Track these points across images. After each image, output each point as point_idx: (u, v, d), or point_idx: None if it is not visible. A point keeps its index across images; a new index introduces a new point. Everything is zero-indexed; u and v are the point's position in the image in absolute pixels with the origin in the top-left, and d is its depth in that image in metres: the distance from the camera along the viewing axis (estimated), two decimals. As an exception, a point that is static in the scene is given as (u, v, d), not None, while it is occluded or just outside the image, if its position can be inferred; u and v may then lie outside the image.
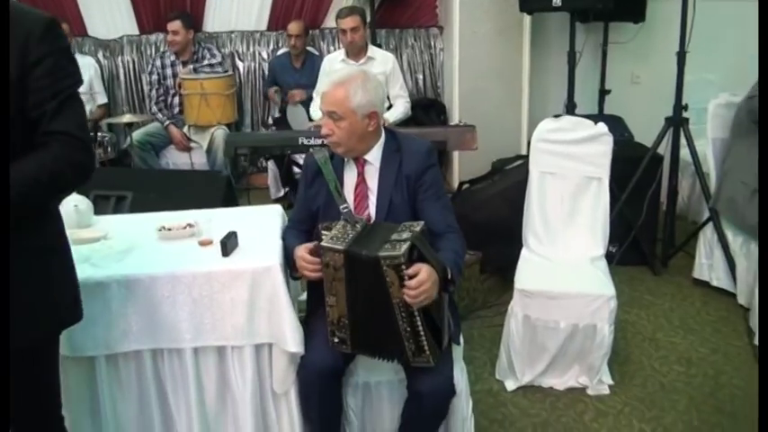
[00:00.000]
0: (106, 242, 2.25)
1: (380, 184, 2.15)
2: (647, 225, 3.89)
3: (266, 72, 5.47)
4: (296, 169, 4.55)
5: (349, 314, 1.96)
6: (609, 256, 3.12)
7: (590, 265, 2.92)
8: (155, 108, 4.91)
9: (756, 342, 3.10)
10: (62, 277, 1.63)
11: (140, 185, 3.24)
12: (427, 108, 5.41)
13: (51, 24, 1.46)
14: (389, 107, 4.30)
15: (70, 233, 1.69)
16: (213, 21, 5.52)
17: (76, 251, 1.70)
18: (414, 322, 1.90)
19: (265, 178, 5.32)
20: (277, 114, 5.26)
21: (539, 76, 5.14)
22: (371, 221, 2.10)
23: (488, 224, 3.58)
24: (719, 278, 3.63)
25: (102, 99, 5.20)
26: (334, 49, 5.19)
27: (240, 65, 5.58)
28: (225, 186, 3.39)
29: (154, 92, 4.94)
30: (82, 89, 1.57)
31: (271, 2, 5.49)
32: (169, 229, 2.28)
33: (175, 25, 4.78)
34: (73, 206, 2.33)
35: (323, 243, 1.93)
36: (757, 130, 3.27)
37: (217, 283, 2.03)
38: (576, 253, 3.00)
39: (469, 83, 5.05)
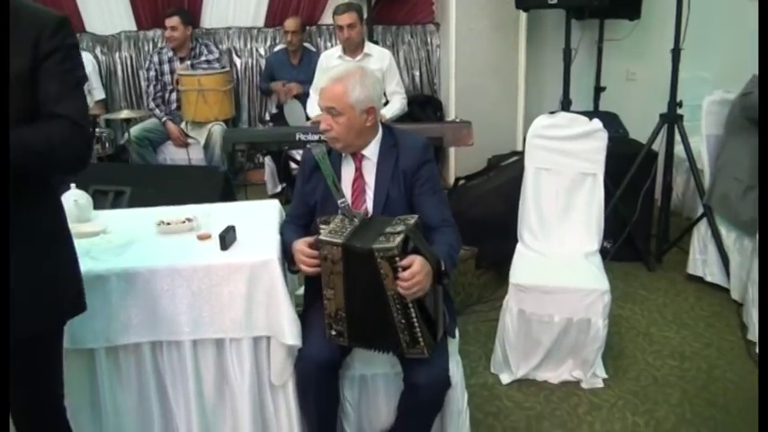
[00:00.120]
0: (106, 236, 2.27)
1: (378, 178, 2.18)
2: (641, 221, 3.91)
3: (263, 68, 5.48)
4: (293, 165, 4.56)
5: (346, 307, 1.98)
6: (603, 252, 3.15)
7: (584, 260, 2.95)
8: (152, 104, 4.93)
9: (749, 337, 3.13)
10: (67, 266, 1.66)
11: (138, 181, 3.24)
12: (424, 104, 5.43)
13: (64, 22, 1.52)
14: (386, 103, 4.31)
15: (70, 227, 1.70)
16: (210, 17, 5.52)
17: (77, 245, 1.72)
18: (408, 314, 1.92)
19: (262, 174, 5.33)
20: (274, 110, 5.28)
21: (535, 72, 5.16)
22: (369, 216, 2.13)
23: (484, 220, 3.59)
24: (713, 273, 3.65)
25: (100, 95, 5.21)
26: (331, 46, 5.20)
27: (237, 61, 5.58)
28: (223, 182, 3.40)
29: (151, 88, 4.95)
30: None
31: (268, -2, 5.51)
32: (168, 224, 2.30)
33: (174, 21, 4.80)
34: (73, 201, 2.35)
35: (321, 236, 1.95)
36: (751, 127, 3.30)
37: (215, 276, 2.05)
38: (570, 248, 3.02)
39: (466, 79, 5.07)
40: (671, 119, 3.84)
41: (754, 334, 3.09)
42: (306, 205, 2.26)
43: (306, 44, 5.29)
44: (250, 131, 4.93)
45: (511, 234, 3.15)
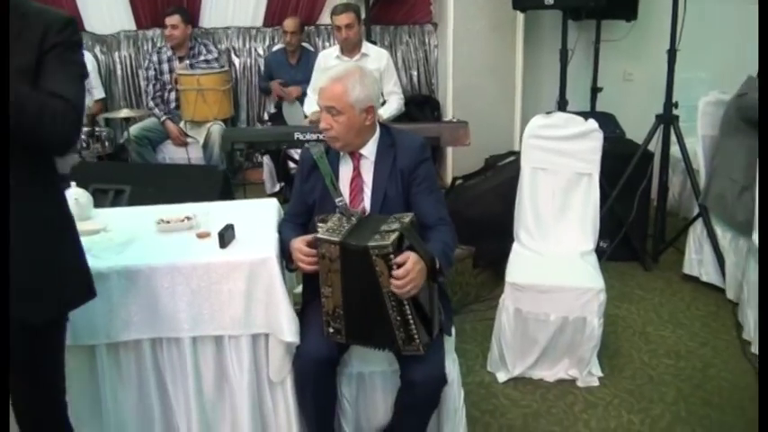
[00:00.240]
0: (106, 234, 2.28)
1: (375, 177, 2.20)
2: (637, 221, 3.94)
3: (262, 68, 5.50)
4: (291, 164, 4.58)
5: (344, 304, 2.00)
6: (600, 252, 3.16)
7: (580, 260, 2.97)
8: (151, 103, 4.94)
9: (745, 336, 3.15)
10: (74, 255, 1.70)
11: (138, 179, 3.25)
12: (421, 104, 5.46)
13: (70, 21, 1.58)
14: (383, 103, 4.33)
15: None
16: (209, 17, 5.54)
17: (78, 242, 1.74)
18: (403, 311, 1.94)
19: (261, 173, 5.35)
20: (273, 110, 5.30)
21: (532, 73, 5.18)
22: (366, 214, 2.15)
23: (481, 219, 3.61)
24: (708, 273, 3.67)
25: (100, 94, 5.22)
26: (330, 46, 5.22)
27: (236, 61, 5.60)
28: (222, 181, 3.41)
29: (151, 87, 4.97)
30: None
31: (267, -2, 5.53)
32: (168, 222, 2.31)
33: (174, 19, 4.81)
34: (73, 199, 2.35)
35: (319, 235, 1.97)
36: (746, 128, 3.32)
37: (215, 274, 2.07)
38: (566, 247, 3.04)
39: (463, 79, 5.09)
40: (667, 119, 3.87)
41: (748, 333, 3.12)
42: (304, 204, 2.28)
43: (304, 44, 5.31)
44: (249, 131, 4.95)
45: (508, 234, 3.16)
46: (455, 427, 2.31)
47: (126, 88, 5.52)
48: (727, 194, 3.45)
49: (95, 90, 5.15)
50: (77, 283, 1.71)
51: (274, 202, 2.61)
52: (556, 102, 4.30)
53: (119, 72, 5.50)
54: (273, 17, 5.55)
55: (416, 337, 1.98)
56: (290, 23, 5.08)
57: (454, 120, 3.99)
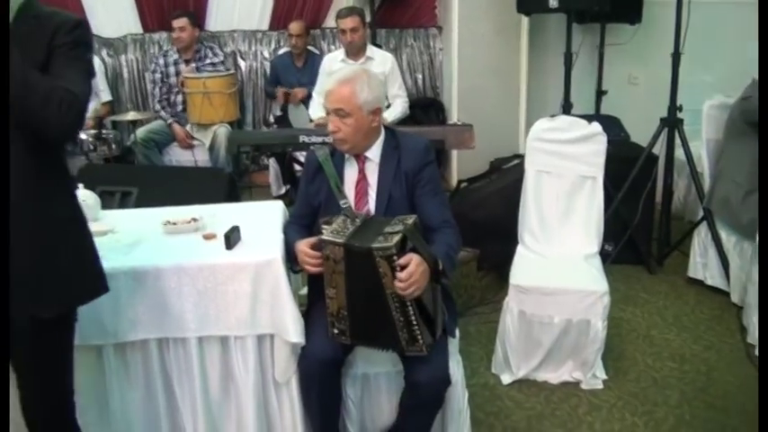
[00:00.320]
0: (113, 235, 2.31)
1: (380, 180, 2.21)
2: (642, 224, 3.93)
3: (268, 71, 5.52)
4: (297, 167, 4.60)
5: (348, 306, 2.01)
6: (605, 255, 3.17)
7: (584, 262, 2.98)
8: (158, 106, 4.96)
9: (749, 340, 3.15)
10: (86, 247, 1.73)
11: (145, 182, 3.27)
12: (426, 107, 5.47)
13: (80, 23, 1.63)
14: (388, 106, 4.35)
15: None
16: (215, 20, 5.57)
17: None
18: (407, 312, 1.96)
19: (267, 176, 5.36)
20: (278, 113, 5.32)
21: (536, 76, 5.19)
22: (371, 216, 2.16)
23: (486, 222, 3.62)
24: (713, 277, 3.68)
25: (107, 96, 5.24)
26: (335, 49, 5.23)
27: (242, 64, 5.62)
28: (227, 183, 3.43)
29: (157, 90, 4.99)
30: None
31: (272, 2, 5.54)
32: (174, 224, 2.34)
33: (182, 21, 4.84)
34: (81, 201, 2.37)
35: (324, 236, 1.99)
36: (750, 131, 3.32)
37: (221, 275, 2.09)
38: (570, 250, 3.05)
39: (468, 83, 5.11)
40: (671, 123, 3.87)
41: (753, 337, 3.11)
42: (309, 206, 2.29)
43: (310, 47, 5.32)
44: (254, 133, 4.98)
45: (513, 237, 3.17)
46: (459, 428, 2.32)
47: (133, 91, 5.55)
48: (732, 198, 3.45)
49: (102, 93, 5.17)
50: (89, 278, 1.74)
51: (280, 204, 2.63)
52: (560, 105, 4.30)
53: (125, 75, 5.53)
54: (279, 20, 5.57)
55: (420, 337, 1.99)
56: (295, 27, 5.10)
57: (459, 123, 4.00)
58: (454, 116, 5.11)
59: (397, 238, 1.90)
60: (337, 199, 2.17)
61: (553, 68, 4.86)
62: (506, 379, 2.90)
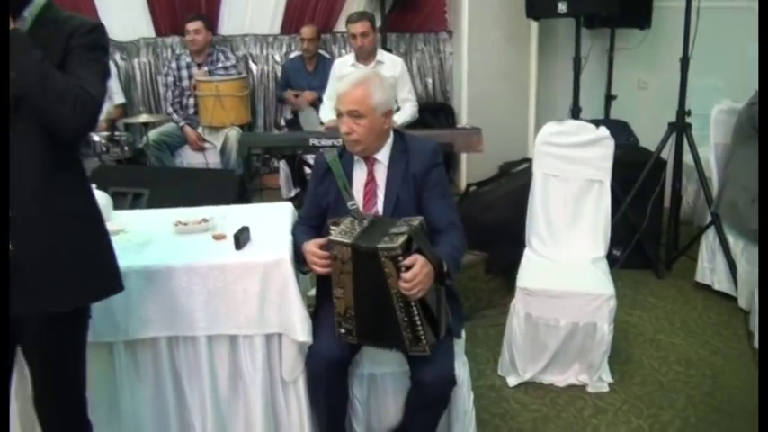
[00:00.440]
0: (125, 235, 2.34)
1: (388, 182, 2.24)
2: (651, 229, 3.94)
3: (279, 75, 5.57)
4: (307, 170, 4.63)
5: (355, 306, 2.04)
6: (613, 260, 3.18)
7: (591, 266, 2.99)
8: (170, 109, 5.02)
9: (756, 345, 3.15)
10: (102, 243, 1.77)
11: (157, 183, 3.31)
12: (436, 111, 5.50)
13: (96, 27, 1.67)
14: (397, 110, 4.37)
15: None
16: (228, 24, 5.62)
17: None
18: (411, 312, 1.98)
19: (277, 179, 5.39)
20: (289, 116, 5.36)
21: (546, 81, 5.21)
22: (378, 217, 2.18)
23: (494, 225, 3.63)
24: (721, 282, 3.67)
25: (120, 99, 5.30)
26: (346, 53, 5.27)
27: (254, 67, 5.67)
28: (238, 185, 3.46)
29: (170, 93, 5.04)
30: None
31: (284, 6, 5.59)
32: (185, 224, 2.37)
33: (197, 24, 4.89)
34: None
35: (332, 237, 2.02)
36: (757, 137, 3.32)
37: (230, 274, 2.12)
38: (577, 254, 3.06)
39: (478, 87, 5.13)
40: (680, 127, 3.87)
41: (760, 341, 3.12)
42: (318, 207, 2.32)
43: (321, 51, 5.36)
44: (265, 136, 5.02)
45: (521, 240, 3.18)
46: (465, 428, 2.34)
47: (145, 94, 5.62)
48: (740, 203, 3.45)
49: (116, 95, 5.23)
50: (105, 275, 1.77)
51: (289, 206, 2.66)
52: (570, 109, 4.31)
53: (138, 78, 5.59)
54: (291, 25, 5.62)
55: (423, 337, 2.01)
56: (307, 31, 5.14)
57: (467, 126, 4.02)
58: (464, 120, 5.13)
59: (402, 239, 1.93)
60: (345, 200, 2.20)
61: (562, 73, 4.87)
62: (512, 381, 2.92)
